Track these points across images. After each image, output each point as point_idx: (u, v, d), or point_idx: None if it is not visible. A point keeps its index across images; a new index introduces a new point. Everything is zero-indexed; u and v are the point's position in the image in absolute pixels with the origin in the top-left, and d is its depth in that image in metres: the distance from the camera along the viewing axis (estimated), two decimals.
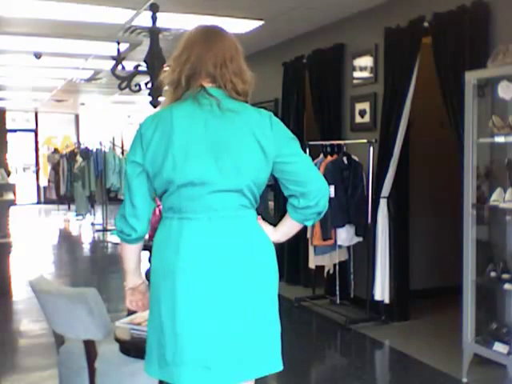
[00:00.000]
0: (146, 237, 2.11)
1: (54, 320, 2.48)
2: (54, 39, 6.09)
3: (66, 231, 11.30)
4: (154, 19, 3.96)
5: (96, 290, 2.34)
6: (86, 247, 9.48)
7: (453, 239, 4.06)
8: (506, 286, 3.43)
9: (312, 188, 1.84)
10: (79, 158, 12.18)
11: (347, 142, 5.10)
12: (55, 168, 13.89)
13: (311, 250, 5.15)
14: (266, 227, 1.94)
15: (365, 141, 4.79)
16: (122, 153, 11.57)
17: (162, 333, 1.83)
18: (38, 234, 10.40)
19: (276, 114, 1.91)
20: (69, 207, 14.00)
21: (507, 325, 3.53)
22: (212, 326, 1.79)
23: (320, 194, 1.85)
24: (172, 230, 1.84)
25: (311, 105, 5.77)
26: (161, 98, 3.93)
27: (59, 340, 2.62)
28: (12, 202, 9.43)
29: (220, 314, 1.79)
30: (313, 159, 4.44)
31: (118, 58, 4.12)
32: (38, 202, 15.66)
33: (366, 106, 5.10)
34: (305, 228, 1.99)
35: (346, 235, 4.87)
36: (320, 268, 5.26)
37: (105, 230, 10.54)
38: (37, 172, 15.93)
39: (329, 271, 5.26)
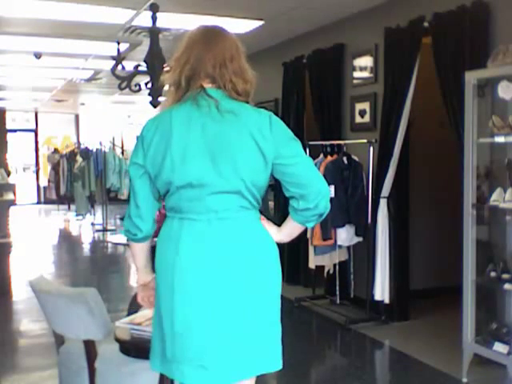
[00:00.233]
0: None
1: (54, 320, 2.48)
2: (54, 39, 6.08)
3: (66, 231, 11.29)
4: (154, 19, 3.96)
5: (96, 289, 2.34)
6: (86, 247, 9.48)
7: (453, 239, 4.06)
8: (506, 286, 3.43)
9: (311, 190, 1.82)
10: (79, 158, 12.17)
11: (347, 142, 5.10)
12: (55, 168, 13.88)
13: (311, 250, 5.15)
14: (270, 228, 1.94)
15: (365, 141, 4.79)
16: (122, 153, 11.58)
17: (162, 330, 1.87)
18: (38, 234, 10.40)
19: (276, 114, 1.90)
20: (69, 207, 13.98)
21: (507, 325, 3.53)
22: (208, 326, 1.80)
23: (319, 196, 1.83)
24: (173, 230, 1.86)
25: (311, 105, 5.77)
26: (161, 98, 3.93)
27: (59, 340, 2.62)
28: (12, 202, 9.41)
29: (217, 314, 1.80)
30: (313, 159, 4.43)
31: (118, 58, 4.12)
32: (38, 202, 15.64)
33: (365, 106, 5.10)
34: (305, 228, 1.99)
35: (346, 235, 4.87)
36: (320, 268, 5.26)
37: (105, 229, 10.53)
38: (37, 172, 15.91)
39: (329, 271, 5.26)
